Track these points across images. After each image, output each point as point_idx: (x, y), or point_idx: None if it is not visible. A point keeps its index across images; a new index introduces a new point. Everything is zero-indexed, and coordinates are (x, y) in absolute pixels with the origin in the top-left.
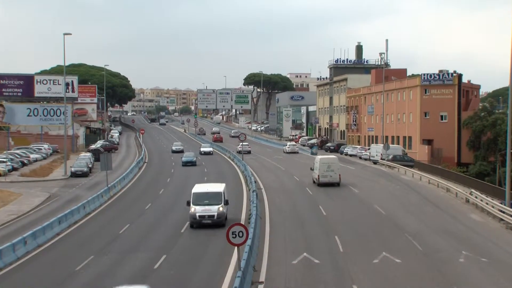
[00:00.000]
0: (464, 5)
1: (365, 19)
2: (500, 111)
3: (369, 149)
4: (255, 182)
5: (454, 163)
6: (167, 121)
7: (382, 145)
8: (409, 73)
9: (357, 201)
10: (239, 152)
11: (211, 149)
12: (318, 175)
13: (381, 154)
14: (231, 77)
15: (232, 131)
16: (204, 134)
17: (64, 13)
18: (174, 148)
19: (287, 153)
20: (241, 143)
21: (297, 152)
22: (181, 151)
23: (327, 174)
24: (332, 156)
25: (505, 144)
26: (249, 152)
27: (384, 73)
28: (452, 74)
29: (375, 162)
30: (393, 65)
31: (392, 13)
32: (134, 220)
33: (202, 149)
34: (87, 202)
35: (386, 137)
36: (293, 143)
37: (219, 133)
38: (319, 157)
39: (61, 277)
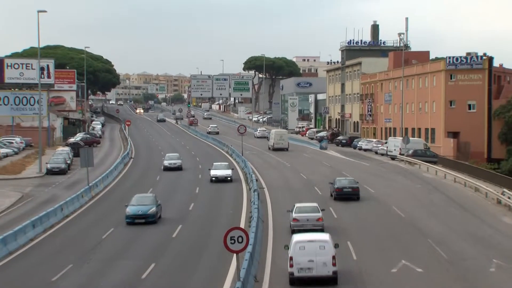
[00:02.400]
0: None
1: None
2: None
3: (386, 143)
4: (256, 180)
5: (483, 159)
6: (164, 118)
7: (401, 138)
8: (432, 56)
9: (373, 202)
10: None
11: (229, 172)
12: (273, 143)
13: (400, 148)
14: (229, 61)
15: (209, 126)
16: (197, 124)
17: None
18: (167, 163)
19: (258, 138)
20: (211, 127)
21: (268, 138)
22: (178, 168)
23: (280, 142)
24: (283, 130)
25: None
26: (217, 133)
27: (403, 56)
28: (481, 57)
29: (393, 158)
30: (414, 47)
31: None
32: (120, 223)
33: (213, 173)
34: (65, 203)
35: (406, 129)
36: (263, 128)
37: (214, 120)
38: (273, 130)
39: None
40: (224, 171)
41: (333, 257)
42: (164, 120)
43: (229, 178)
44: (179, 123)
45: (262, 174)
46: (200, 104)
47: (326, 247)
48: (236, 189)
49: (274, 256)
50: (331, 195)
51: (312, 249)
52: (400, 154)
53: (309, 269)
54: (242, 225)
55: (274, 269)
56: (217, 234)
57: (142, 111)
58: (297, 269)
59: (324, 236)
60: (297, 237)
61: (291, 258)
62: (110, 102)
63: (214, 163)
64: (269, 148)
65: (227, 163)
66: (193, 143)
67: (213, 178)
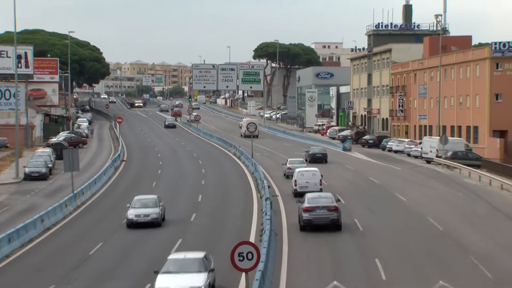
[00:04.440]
0: None
1: None
2: None
3: (420, 143)
4: (268, 187)
5: None
6: (174, 123)
7: (438, 138)
8: (475, 42)
9: (405, 212)
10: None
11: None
12: (245, 131)
13: (437, 150)
14: (237, 48)
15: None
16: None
17: None
18: (133, 215)
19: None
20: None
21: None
22: (152, 224)
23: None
24: (254, 119)
25: None
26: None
27: (441, 41)
28: None
29: (428, 161)
30: (454, 31)
31: None
32: (109, 237)
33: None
34: (46, 213)
35: (444, 127)
36: (251, 120)
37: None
38: (244, 119)
39: None
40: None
41: (320, 180)
42: (174, 126)
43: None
44: (178, 120)
45: (275, 179)
46: (206, 97)
47: (316, 174)
48: (245, 197)
49: (290, 275)
50: (306, 159)
51: (307, 175)
52: (437, 156)
53: (306, 187)
54: (252, 239)
55: None
56: (223, 249)
57: (142, 104)
58: (299, 187)
59: (315, 168)
60: (299, 169)
61: (295, 182)
62: (102, 97)
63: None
64: (241, 136)
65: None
66: (195, 144)
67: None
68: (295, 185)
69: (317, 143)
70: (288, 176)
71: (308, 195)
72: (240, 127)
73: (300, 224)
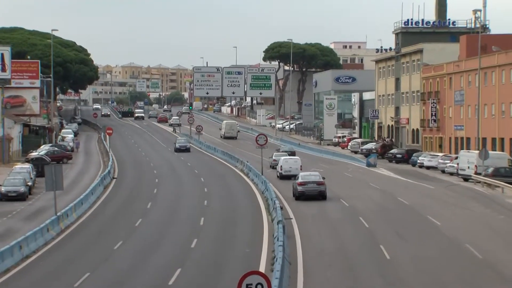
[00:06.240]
0: None
1: None
2: None
3: (456, 158)
4: (281, 208)
5: None
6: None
7: (477, 152)
8: None
9: (439, 238)
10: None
11: None
12: (224, 132)
13: (476, 166)
14: (244, 49)
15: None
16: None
17: None
18: None
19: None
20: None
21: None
22: None
23: (230, 131)
24: (233, 121)
25: None
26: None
27: (480, 41)
28: None
29: (466, 179)
30: (495, 29)
31: None
32: (97, 266)
33: None
34: (25, 239)
35: (484, 139)
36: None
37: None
38: (225, 121)
39: None
40: None
41: (300, 166)
42: (188, 149)
43: None
44: (177, 132)
45: (288, 199)
46: (206, 105)
47: (297, 161)
48: (254, 220)
49: None
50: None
51: (291, 162)
52: (476, 173)
53: (289, 171)
54: (262, 269)
55: None
56: (229, 280)
57: (143, 115)
58: (284, 171)
59: (297, 156)
60: (283, 158)
61: (281, 167)
62: (95, 106)
63: None
64: (221, 137)
65: None
66: (196, 158)
67: None
68: (281, 169)
69: (337, 158)
70: (274, 167)
71: (301, 174)
72: (220, 129)
73: (295, 196)
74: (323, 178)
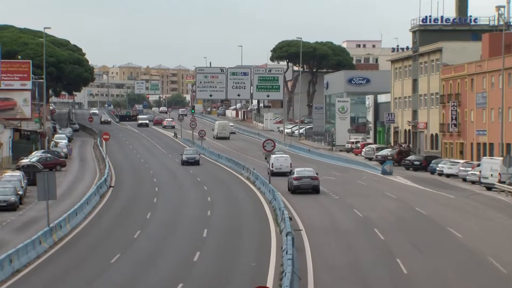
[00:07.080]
0: None
1: None
2: None
3: (479, 165)
4: (290, 219)
5: None
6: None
7: (501, 159)
8: None
9: (460, 251)
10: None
11: None
12: (217, 133)
13: (500, 173)
14: (250, 48)
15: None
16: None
17: None
18: None
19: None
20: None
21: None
22: None
23: (222, 132)
24: (226, 121)
25: None
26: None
27: (504, 39)
28: None
29: (489, 187)
30: None
31: None
32: (93, 281)
33: None
34: (15, 252)
35: (508, 145)
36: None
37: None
38: (217, 121)
39: None
40: None
41: (290, 164)
42: (197, 162)
43: None
44: (178, 137)
45: (297, 209)
46: (210, 108)
47: (287, 159)
48: (261, 232)
49: None
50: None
51: (281, 160)
52: (500, 181)
53: (280, 168)
54: (269, 284)
55: None
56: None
57: (147, 121)
58: (275, 168)
59: (287, 155)
60: (274, 156)
61: (272, 164)
62: (92, 111)
63: None
64: (214, 137)
65: None
66: (199, 165)
67: None
68: (272, 166)
69: (350, 165)
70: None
71: (296, 169)
72: (213, 129)
73: (291, 189)
74: (317, 173)
